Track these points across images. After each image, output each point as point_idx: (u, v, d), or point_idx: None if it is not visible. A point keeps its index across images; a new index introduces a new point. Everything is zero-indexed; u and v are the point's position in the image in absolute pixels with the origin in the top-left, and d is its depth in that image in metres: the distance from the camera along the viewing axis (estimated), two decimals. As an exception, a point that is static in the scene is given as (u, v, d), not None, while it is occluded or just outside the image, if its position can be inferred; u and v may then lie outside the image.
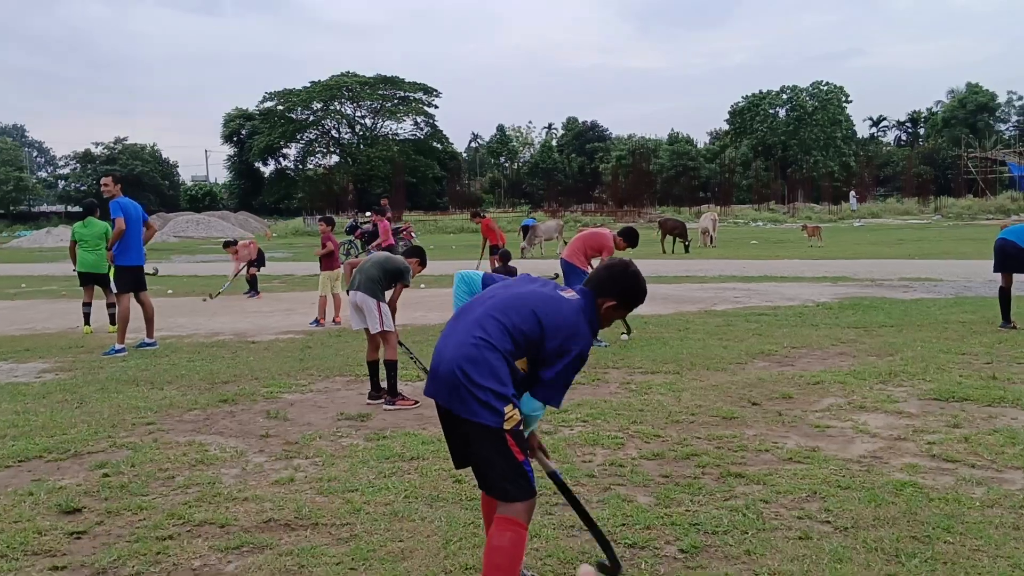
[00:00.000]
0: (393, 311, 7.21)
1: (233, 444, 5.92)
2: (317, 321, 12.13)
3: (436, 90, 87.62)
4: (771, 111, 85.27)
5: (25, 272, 27.46)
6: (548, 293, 3.26)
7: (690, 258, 24.78)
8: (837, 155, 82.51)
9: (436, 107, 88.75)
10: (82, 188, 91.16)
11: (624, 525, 4.21)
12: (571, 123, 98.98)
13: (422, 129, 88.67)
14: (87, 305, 11.96)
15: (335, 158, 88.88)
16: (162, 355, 9.77)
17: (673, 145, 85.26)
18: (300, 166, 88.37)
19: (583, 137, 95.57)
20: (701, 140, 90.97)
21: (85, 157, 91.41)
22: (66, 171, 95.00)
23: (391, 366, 7.06)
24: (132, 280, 10.13)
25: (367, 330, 7.15)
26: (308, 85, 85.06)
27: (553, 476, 3.54)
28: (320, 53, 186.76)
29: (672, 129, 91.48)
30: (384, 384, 7.11)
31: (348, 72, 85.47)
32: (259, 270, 17.56)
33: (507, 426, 3.04)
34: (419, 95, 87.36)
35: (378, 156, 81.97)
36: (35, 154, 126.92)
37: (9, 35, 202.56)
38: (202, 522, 4.39)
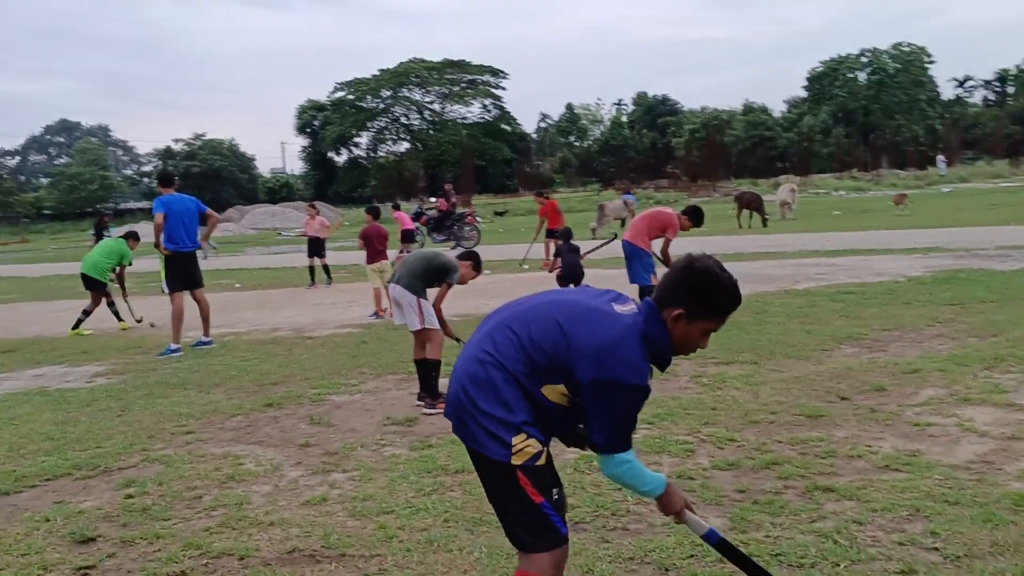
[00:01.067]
0: (437, 312, 6.68)
1: (270, 456, 5.50)
2: (376, 313, 11.74)
3: (503, 72, 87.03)
4: (850, 75, 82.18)
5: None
6: (589, 303, 2.62)
7: (768, 233, 23.71)
8: (922, 118, 79.05)
9: (504, 89, 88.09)
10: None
11: (693, 557, 3.62)
12: (641, 98, 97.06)
13: (490, 112, 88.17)
14: (110, 304, 12.42)
15: (405, 145, 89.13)
16: (216, 355, 9.48)
17: (748, 115, 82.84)
18: (372, 154, 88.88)
19: (654, 112, 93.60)
20: (778, 109, 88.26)
21: (166, 154, 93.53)
22: (148, 168, 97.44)
23: (433, 365, 6.57)
24: (183, 277, 9.85)
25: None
26: (377, 73, 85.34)
27: (708, 539, 2.84)
28: (387, 41, 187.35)
29: (747, 99, 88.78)
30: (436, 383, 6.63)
31: (415, 58, 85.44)
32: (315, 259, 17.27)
33: (517, 461, 2.49)
34: (486, 78, 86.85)
35: (447, 141, 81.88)
36: (120, 152, 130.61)
37: (88, 39, 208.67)
38: (221, 553, 3.96)
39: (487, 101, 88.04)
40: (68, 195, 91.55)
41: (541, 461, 2.54)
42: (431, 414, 6.32)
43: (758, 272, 14.16)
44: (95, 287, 12.51)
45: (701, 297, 2.57)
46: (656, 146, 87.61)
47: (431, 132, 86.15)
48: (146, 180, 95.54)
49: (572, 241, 12.16)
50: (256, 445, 5.78)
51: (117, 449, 5.79)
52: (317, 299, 14.56)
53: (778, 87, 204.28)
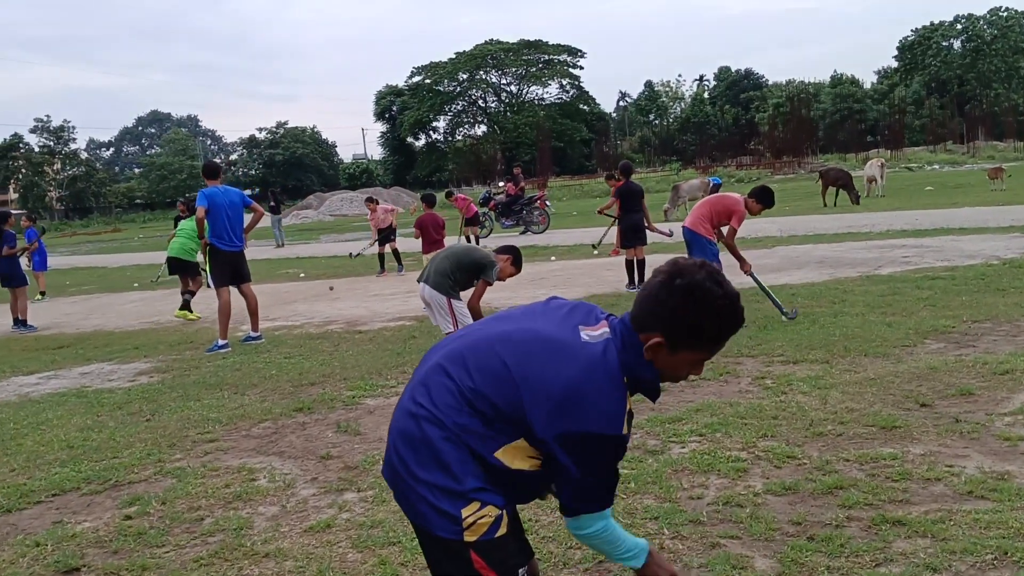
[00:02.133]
0: (475, 314, 6.21)
1: (287, 470, 5.12)
2: None
3: (581, 51, 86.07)
4: (944, 44, 78.53)
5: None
6: (547, 333, 2.04)
7: (855, 211, 22.51)
8: (1021, 87, 75.08)
9: (581, 68, 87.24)
10: (250, 172, 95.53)
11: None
12: (724, 73, 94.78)
13: (568, 92, 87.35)
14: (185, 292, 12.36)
15: (483, 128, 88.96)
16: (263, 351, 9.20)
17: (836, 88, 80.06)
18: (449, 138, 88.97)
19: (737, 87, 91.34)
20: (868, 80, 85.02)
21: (251, 142, 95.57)
22: (234, 157, 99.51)
23: None
24: (229, 272, 9.58)
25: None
26: (453, 57, 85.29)
27: None
28: (464, 24, 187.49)
29: (835, 71, 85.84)
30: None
31: (492, 40, 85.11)
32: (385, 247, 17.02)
33: (469, 537, 1.96)
34: (563, 57, 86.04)
35: (524, 123, 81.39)
36: (208, 142, 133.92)
37: (178, 33, 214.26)
38: (205, 591, 3.57)
39: (564, 81, 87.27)
40: (158, 184, 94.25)
41: (502, 530, 2.01)
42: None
43: (839, 255, 13.29)
44: (186, 269, 12.56)
45: (684, 322, 1.99)
46: (739, 122, 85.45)
47: (508, 114, 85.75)
48: (231, 169, 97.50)
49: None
50: (276, 456, 5.42)
51: (133, 460, 5.49)
52: (377, 289, 14.25)
53: (868, 58, 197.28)
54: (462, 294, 6.54)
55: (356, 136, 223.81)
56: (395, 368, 7.75)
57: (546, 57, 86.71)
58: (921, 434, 4.83)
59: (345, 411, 6.40)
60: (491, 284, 6.13)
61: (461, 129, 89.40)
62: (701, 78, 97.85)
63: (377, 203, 17.82)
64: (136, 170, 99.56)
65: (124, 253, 33.96)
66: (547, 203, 23.55)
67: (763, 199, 8.39)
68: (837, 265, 12.15)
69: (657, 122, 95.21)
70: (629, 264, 11.48)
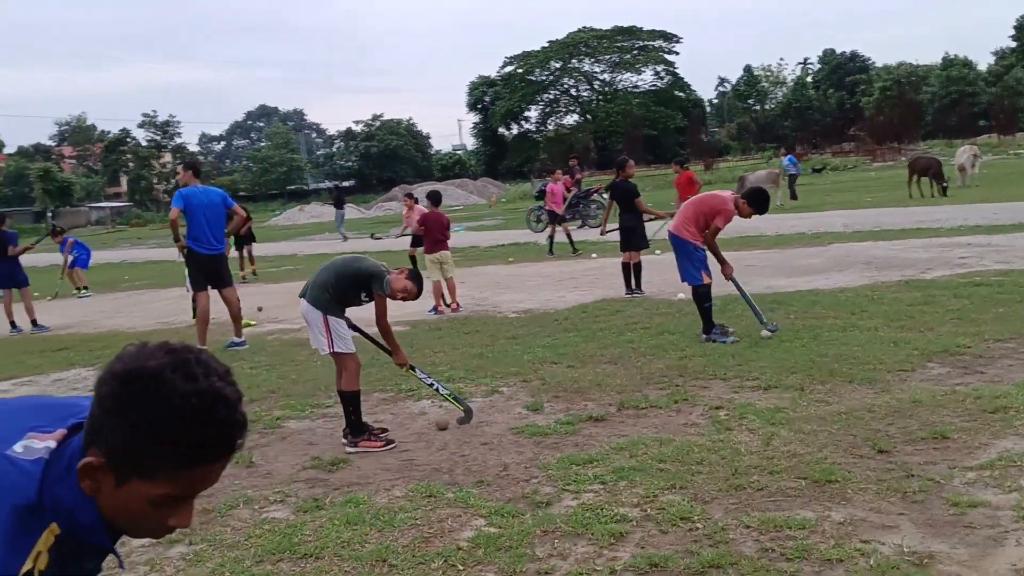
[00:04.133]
0: (384, 333, 5.54)
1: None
2: (435, 308, 10.78)
3: (676, 36, 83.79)
4: (1068, 20, 73.33)
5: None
6: None
7: (938, 203, 20.84)
8: None
9: (677, 54, 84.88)
10: (347, 165, 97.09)
11: None
12: (828, 55, 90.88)
13: (662, 78, 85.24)
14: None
15: (574, 117, 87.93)
16: (241, 358, 8.80)
17: (947, 70, 75.70)
18: (541, 127, 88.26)
19: (842, 69, 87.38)
20: (984, 62, 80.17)
21: (347, 135, 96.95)
22: (331, 149, 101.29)
23: (346, 398, 5.49)
24: (204, 276, 9.21)
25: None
26: (546, 45, 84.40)
27: None
28: (557, 11, 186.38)
29: (947, 52, 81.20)
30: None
31: (584, 27, 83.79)
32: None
33: None
34: (658, 43, 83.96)
35: (617, 111, 79.88)
36: (313, 135, 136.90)
37: (281, 32, 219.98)
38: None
39: (659, 67, 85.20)
40: (260, 177, 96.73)
41: None
42: (352, 453, 5.29)
43: (892, 255, 12.12)
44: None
45: (124, 434, 1.30)
46: (843, 107, 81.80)
47: (600, 103, 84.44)
48: (331, 162, 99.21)
49: None
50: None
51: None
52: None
53: (985, 38, 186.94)
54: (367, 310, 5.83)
55: (452, 127, 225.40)
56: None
57: (640, 43, 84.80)
58: (856, 492, 4.00)
59: (259, 435, 5.89)
60: (385, 297, 5.40)
61: (553, 118, 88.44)
62: (804, 61, 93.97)
63: (416, 201, 17.29)
64: (247, 163, 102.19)
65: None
66: (604, 195, 22.58)
67: (755, 203, 7.49)
68: (884, 267, 11.03)
69: (757, 108, 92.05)
70: (625, 268, 10.64)
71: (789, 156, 28.56)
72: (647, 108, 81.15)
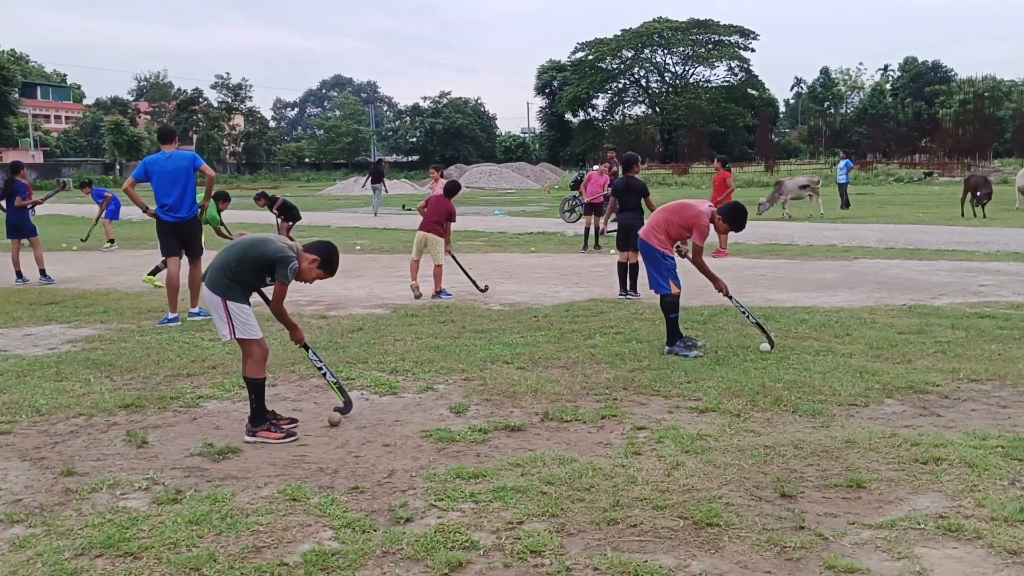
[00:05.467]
0: (281, 317, 5.25)
1: (19, 489, 4.47)
2: (442, 292, 10.53)
3: (754, 32, 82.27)
4: None
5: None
6: None
7: (987, 224, 19.87)
8: None
9: (752, 51, 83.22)
10: (411, 140, 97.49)
11: None
12: (909, 64, 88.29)
13: (736, 75, 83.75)
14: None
15: (642, 108, 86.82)
16: (203, 328, 8.61)
17: (1032, 86, 72.90)
18: (607, 116, 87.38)
19: (922, 79, 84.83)
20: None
21: (414, 110, 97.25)
22: (396, 124, 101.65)
23: (249, 385, 5.25)
24: (176, 242, 9.07)
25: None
26: (619, 33, 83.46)
27: None
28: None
29: (1035, 68, 78.07)
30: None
31: (660, 18, 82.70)
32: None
33: None
34: (734, 38, 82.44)
35: (685, 104, 78.64)
36: (384, 108, 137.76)
37: (366, 3, 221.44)
38: None
39: (733, 63, 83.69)
40: (325, 146, 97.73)
41: None
42: (251, 442, 5.07)
43: (912, 277, 11.52)
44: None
45: None
46: (920, 117, 79.31)
47: (670, 95, 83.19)
48: (396, 135, 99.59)
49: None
50: (20, 462, 4.79)
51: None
52: (399, 270, 13.41)
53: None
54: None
55: (521, 109, 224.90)
56: (293, 364, 7.04)
57: (716, 37, 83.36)
58: (732, 541, 3.65)
59: (171, 415, 5.72)
60: (287, 283, 5.11)
61: (620, 108, 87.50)
62: (885, 67, 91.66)
63: (442, 174, 17.08)
64: (319, 132, 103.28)
65: (251, 211, 34.81)
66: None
67: (732, 219, 7.04)
68: (895, 288, 10.46)
69: (831, 111, 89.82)
70: (621, 268, 10.26)
71: (846, 161, 27.59)
72: (717, 104, 79.87)
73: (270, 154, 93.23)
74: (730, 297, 7.35)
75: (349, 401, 5.58)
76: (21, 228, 12.61)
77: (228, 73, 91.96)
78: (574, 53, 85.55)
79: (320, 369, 5.64)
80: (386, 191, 32.54)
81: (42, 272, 12.51)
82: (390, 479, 4.47)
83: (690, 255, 7.27)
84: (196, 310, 9.19)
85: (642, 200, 10.39)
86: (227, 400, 6.05)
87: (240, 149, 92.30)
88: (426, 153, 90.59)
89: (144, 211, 9.16)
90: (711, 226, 7.02)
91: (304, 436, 5.21)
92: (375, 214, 27.80)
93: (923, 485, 4.22)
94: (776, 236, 17.83)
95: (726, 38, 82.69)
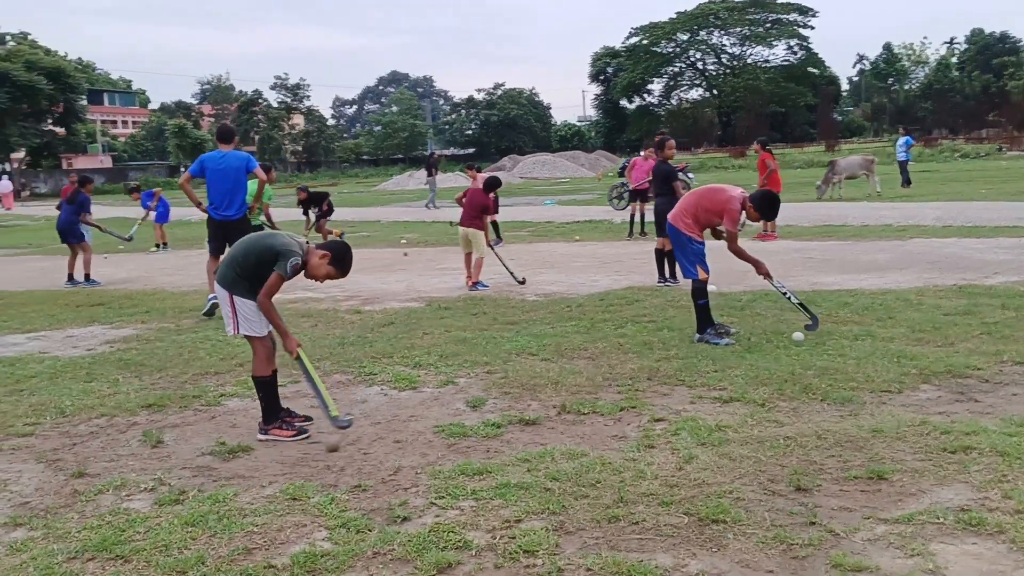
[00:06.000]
0: (266, 312, 5.07)
1: (29, 491, 4.50)
2: (477, 284, 10.47)
3: (812, 10, 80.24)
4: None
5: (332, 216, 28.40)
6: None
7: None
8: None
9: (812, 28, 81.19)
10: (467, 132, 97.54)
11: None
12: (976, 36, 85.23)
13: (795, 54, 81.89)
14: None
15: (699, 91, 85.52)
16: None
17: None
18: (664, 101, 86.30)
19: (989, 51, 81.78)
20: None
21: (468, 103, 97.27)
22: (452, 117, 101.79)
23: (256, 384, 5.19)
24: (221, 239, 9.21)
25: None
26: (674, 16, 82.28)
27: None
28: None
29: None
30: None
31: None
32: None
33: None
34: (792, 16, 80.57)
35: (743, 86, 77.22)
36: (440, 102, 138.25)
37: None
38: None
39: (792, 42, 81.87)
40: (382, 142, 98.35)
41: None
42: (264, 440, 5.03)
43: (967, 255, 11.07)
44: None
45: None
46: (988, 90, 76.64)
47: (727, 77, 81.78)
48: (448, 129, 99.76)
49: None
50: (35, 464, 4.83)
51: (-77, 450, 5.11)
52: (447, 264, 13.39)
53: None
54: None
55: (577, 98, 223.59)
56: (320, 359, 7.00)
57: (773, 16, 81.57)
58: (737, 538, 3.48)
59: (191, 414, 5.73)
60: (286, 278, 5.00)
61: (676, 92, 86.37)
62: (951, 41, 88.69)
63: (478, 172, 16.98)
64: (377, 128, 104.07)
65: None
66: (689, 174, 21.68)
67: (762, 208, 6.77)
68: (948, 268, 10.05)
69: (895, 88, 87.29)
70: (659, 255, 10.04)
71: (906, 138, 26.67)
72: (776, 84, 78.31)
73: (329, 152, 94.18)
74: (771, 279, 7.09)
75: (335, 418, 5.02)
76: (67, 234, 12.87)
77: (286, 73, 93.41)
78: (628, 38, 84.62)
79: (310, 381, 5.13)
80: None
81: (86, 277, 12.76)
82: (395, 476, 4.39)
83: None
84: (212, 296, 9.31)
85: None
86: (248, 398, 6.02)
87: (300, 148, 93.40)
88: (481, 145, 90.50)
89: (197, 206, 9.44)
90: (743, 212, 6.78)
91: (318, 433, 5.16)
92: (432, 207, 27.69)
93: (949, 476, 3.98)
94: (830, 217, 17.33)
95: (784, 16, 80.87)
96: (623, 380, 5.94)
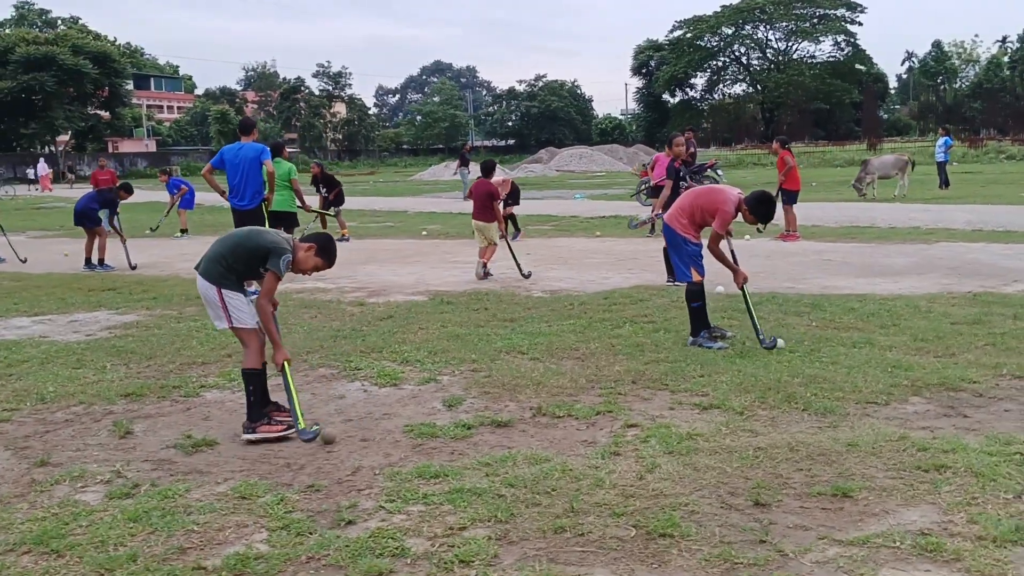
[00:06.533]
0: (264, 316, 5.01)
1: (-5, 471, 4.51)
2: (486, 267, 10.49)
3: (861, 5, 78.78)
4: None
5: (360, 206, 28.41)
6: None
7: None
8: None
9: (860, 24, 79.80)
10: (507, 124, 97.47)
11: None
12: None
13: (842, 50, 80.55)
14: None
15: (742, 86, 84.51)
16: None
17: None
18: (706, 95, 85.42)
19: (1043, 49, 79.80)
20: None
21: (509, 94, 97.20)
22: (493, 108, 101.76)
23: (246, 377, 5.12)
24: (237, 226, 9.33)
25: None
26: (718, 10, 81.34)
27: None
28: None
29: None
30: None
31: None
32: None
33: None
34: (840, 12, 79.23)
35: (788, 82, 76.15)
36: (483, 93, 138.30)
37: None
38: None
39: (839, 38, 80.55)
40: (422, 132, 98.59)
41: None
42: (253, 440, 4.93)
43: (990, 261, 10.75)
44: (289, 221, 11.70)
45: None
46: (1040, 90, 74.80)
47: (772, 72, 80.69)
48: (488, 120, 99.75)
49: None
50: (8, 452, 4.84)
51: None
52: (462, 256, 13.31)
53: None
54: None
55: (620, 91, 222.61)
56: (309, 351, 6.97)
57: (821, 11, 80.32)
58: (681, 554, 3.36)
59: (168, 404, 5.71)
60: (280, 277, 4.96)
61: (719, 87, 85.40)
62: (1004, 39, 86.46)
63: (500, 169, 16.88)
64: (419, 118, 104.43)
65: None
66: (718, 171, 21.34)
67: (756, 210, 6.56)
68: (968, 274, 9.75)
69: (944, 86, 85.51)
70: (666, 253, 9.82)
71: (945, 138, 26.04)
72: (821, 80, 77.19)
73: (369, 140, 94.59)
74: (743, 290, 6.87)
75: (304, 431, 4.87)
76: (84, 217, 12.98)
77: (329, 62, 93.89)
78: (672, 32, 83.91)
79: (287, 391, 4.98)
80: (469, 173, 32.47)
81: (100, 261, 12.89)
82: (352, 477, 4.32)
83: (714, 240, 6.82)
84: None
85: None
86: (228, 390, 6.00)
87: (340, 136, 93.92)
88: (521, 137, 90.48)
89: (221, 195, 9.96)
90: (737, 214, 6.60)
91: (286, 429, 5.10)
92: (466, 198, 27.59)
93: (917, 496, 3.81)
94: (858, 218, 16.97)
95: (832, 12, 79.58)
96: (607, 383, 5.81)
